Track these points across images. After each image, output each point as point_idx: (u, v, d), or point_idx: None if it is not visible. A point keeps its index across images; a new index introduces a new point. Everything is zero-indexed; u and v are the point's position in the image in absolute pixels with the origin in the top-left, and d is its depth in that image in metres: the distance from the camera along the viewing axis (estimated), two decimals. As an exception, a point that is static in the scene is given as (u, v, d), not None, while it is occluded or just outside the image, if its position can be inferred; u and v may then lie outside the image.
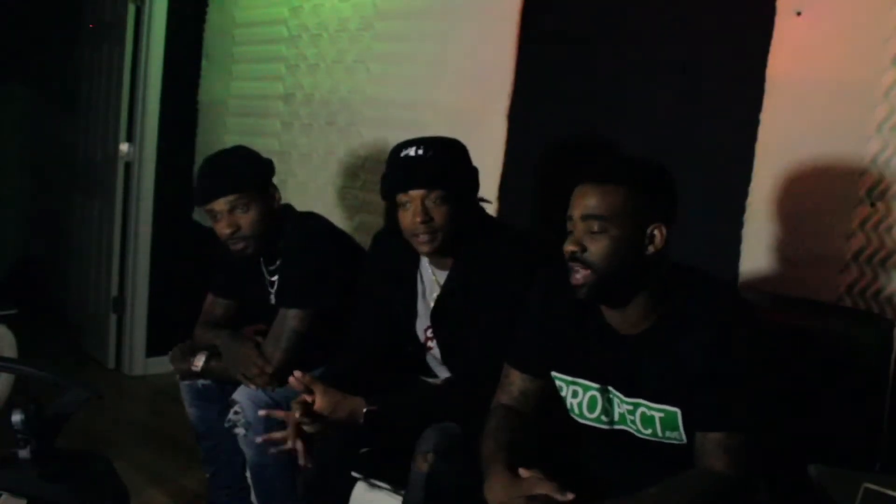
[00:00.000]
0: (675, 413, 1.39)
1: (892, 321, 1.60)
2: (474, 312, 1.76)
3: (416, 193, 1.70)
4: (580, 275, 1.36)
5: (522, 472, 1.35)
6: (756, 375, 1.35)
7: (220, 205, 2.00)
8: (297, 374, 1.67)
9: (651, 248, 1.36)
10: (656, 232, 1.36)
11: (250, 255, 2.09)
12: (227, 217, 2.00)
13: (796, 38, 1.81)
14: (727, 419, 1.33)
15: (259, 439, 1.73)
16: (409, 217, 1.71)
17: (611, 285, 1.36)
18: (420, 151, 1.71)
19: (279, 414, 1.69)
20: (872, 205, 1.70)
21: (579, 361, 1.49)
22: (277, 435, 1.65)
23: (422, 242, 1.72)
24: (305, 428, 1.63)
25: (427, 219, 1.69)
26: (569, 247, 1.36)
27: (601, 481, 1.52)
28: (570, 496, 1.28)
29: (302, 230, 2.11)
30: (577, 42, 2.24)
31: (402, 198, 1.72)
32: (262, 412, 1.75)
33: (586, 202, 1.35)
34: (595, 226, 1.34)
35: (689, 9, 2.02)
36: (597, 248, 1.34)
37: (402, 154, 1.73)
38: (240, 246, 2.04)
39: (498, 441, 1.44)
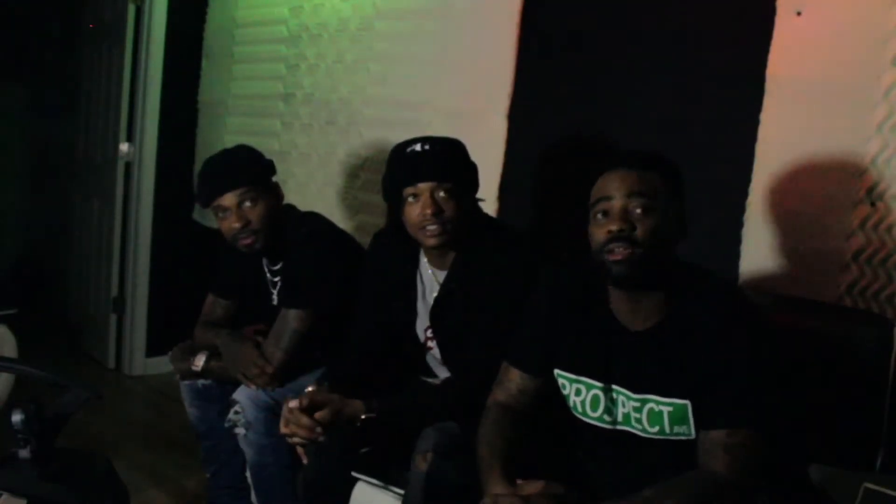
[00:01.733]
0: (685, 406, 1.38)
1: (892, 321, 1.60)
2: (474, 312, 1.76)
3: (424, 186, 1.70)
4: (623, 252, 1.34)
5: (519, 482, 1.35)
6: (760, 374, 1.34)
7: (229, 199, 2.00)
8: (294, 404, 1.65)
9: (682, 233, 1.40)
10: (685, 221, 1.41)
11: (258, 251, 2.09)
12: (236, 212, 2.00)
13: (796, 38, 1.81)
14: (729, 416, 1.32)
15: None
16: (417, 210, 1.71)
17: (652, 264, 1.36)
18: (426, 147, 1.73)
19: (286, 431, 1.68)
20: (872, 205, 1.70)
21: (583, 360, 1.49)
22: (286, 430, 1.66)
23: (430, 235, 1.72)
24: (297, 440, 1.64)
25: (438, 210, 1.70)
26: (613, 226, 1.34)
27: (599, 481, 1.52)
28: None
29: (303, 230, 2.11)
30: (577, 42, 2.25)
31: (409, 191, 1.72)
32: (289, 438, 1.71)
33: (628, 182, 1.36)
34: (640, 205, 1.35)
35: (690, 8, 2.02)
36: (645, 226, 1.34)
37: (408, 150, 1.74)
38: (249, 241, 2.03)
39: (493, 448, 1.44)
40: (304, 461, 1.69)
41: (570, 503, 1.32)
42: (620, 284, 1.41)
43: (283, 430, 1.66)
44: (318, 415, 1.63)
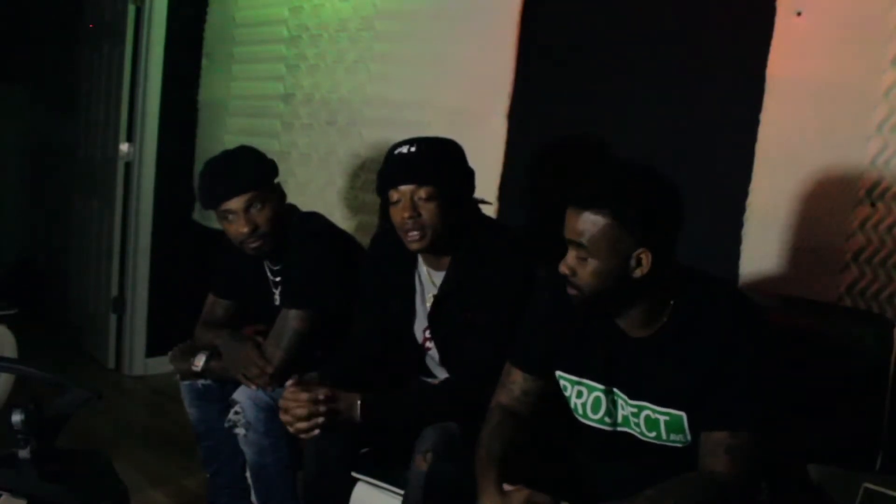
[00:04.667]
0: (681, 417, 1.38)
1: (892, 321, 1.60)
2: (471, 313, 1.76)
3: (405, 189, 1.71)
4: (572, 290, 1.39)
5: (507, 486, 1.35)
6: (762, 376, 1.34)
7: (237, 203, 1.98)
8: (291, 382, 1.67)
9: (638, 273, 1.34)
10: (642, 257, 1.33)
11: (265, 254, 2.09)
12: (243, 216, 1.99)
13: (796, 38, 1.81)
14: (731, 418, 1.32)
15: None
16: (398, 213, 1.72)
17: (600, 303, 1.39)
18: (413, 149, 1.73)
19: (286, 418, 1.69)
20: (872, 205, 1.70)
21: (585, 362, 1.49)
22: (286, 417, 1.67)
23: (411, 240, 1.73)
24: (299, 425, 1.64)
25: (415, 214, 1.71)
26: (561, 268, 1.38)
27: (601, 482, 1.52)
28: None
29: (304, 230, 2.11)
30: (577, 42, 2.25)
31: (393, 194, 1.73)
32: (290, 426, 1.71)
33: (571, 226, 1.36)
34: (580, 252, 1.35)
35: (690, 9, 2.02)
36: (583, 274, 1.36)
37: (396, 152, 1.75)
38: (257, 244, 2.03)
39: (491, 453, 1.44)
40: (316, 432, 1.68)
41: None
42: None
43: (283, 417, 1.66)
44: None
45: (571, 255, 1.37)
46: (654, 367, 1.40)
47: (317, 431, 1.66)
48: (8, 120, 4.32)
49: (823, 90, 1.78)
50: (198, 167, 2.63)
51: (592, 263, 1.34)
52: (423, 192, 1.70)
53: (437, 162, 1.74)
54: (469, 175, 1.81)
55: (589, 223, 1.32)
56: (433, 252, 1.80)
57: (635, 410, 1.43)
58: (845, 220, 1.74)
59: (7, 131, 4.33)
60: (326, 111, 2.96)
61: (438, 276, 1.84)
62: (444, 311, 1.83)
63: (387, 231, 1.94)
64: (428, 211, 1.71)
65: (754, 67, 1.86)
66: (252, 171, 2.04)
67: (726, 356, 1.33)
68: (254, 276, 2.20)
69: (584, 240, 1.33)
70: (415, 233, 1.72)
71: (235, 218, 2.00)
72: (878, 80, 1.69)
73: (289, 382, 1.67)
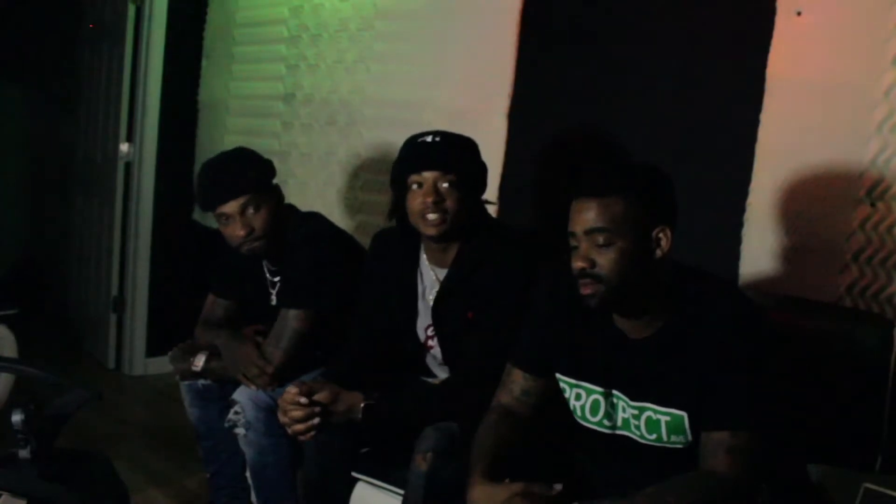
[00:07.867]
0: (682, 417, 1.38)
1: (892, 321, 1.60)
2: (473, 311, 1.77)
3: (429, 175, 1.72)
4: (591, 288, 1.36)
5: (505, 483, 1.35)
6: (763, 376, 1.34)
7: (232, 207, 1.99)
8: (293, 389, 1.68)
9: (658, 252, 1.36)
10: (661, 235, 1.35)
11: (262, 255, 2.10)
12: (239, 219, 2.00)
13: (796, 38, 1.81)
14: (732, 418, 1.32)
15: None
16: (419, 198, 1.73)
17: (623, 295, 1.37)
18: (437, 139, 1.76)
19: (284, 420, 1.70)
20: (872, 205, 1.70)
21: (584, 364, 1.49)
22: (284, 419, 1.68)
23: (430, 224, 1.73)
24: (297, 427, 1.65)
25: (439, 199, 1.72)
26: (577, 263, 1.36)
27: (600, 484, 1.52)
28: (557, 486, 1.30)
29: (304, 230, 2.11)
30: (578, 42, 2.25)
31: (413, 179, 1.74)
32: (289, 427, 1.72)
33: (587, 216, 1.35)
34: (601, 239, 1.34)
35: (690, 8, 2.02)
36: (606, 261, 1.34)
37: (419, 140, 1.77)
38: (254, 246, 2.04)
39: (482, 447, 1.44)
40: (312, 434, 1.69)
41: (551, 502, 1.31)
42: (597, 313, 1.42)
43: (282, 418, 1.67)
44: (317, 396, 1.65)
45: (587, 247, 1.35)
46: (655, 367, 1.40)
47: (312, 433, 1.67)
48: (8, 120, 4.32)
49: (823, 90, 1.78)
50: (198, 167, 2.63)
51: (616, 248, 1.33)
52: (447, 179, 1.72)
53: (461, 154, 1.78)
54: (484, 172, 1.84)
55: (608, 206, 1.34)
56: (445, 240, 1.80)
57: (636, 412, 1.43)
58: (845, 220, 1.74)
59: (7, 131, 4.33)
60: (326, 111, 2.96)
61: (441, 273, 1.84)
62: (446, 308, 1.83)
63: (389, 229, 1.95)
64: (451, 198, 1.73)
65: (754, 67, 1.86)
66: (247, 174, 2.04)
67: (726, 356, 1.33)
68: (253, 276, 2.21)
69: (606, 223, 1.33)
70: (436, 216, 1.72)
71: (231, 221, 2.01)
72: (878, 80, 1.69)
73: (292, 389, 1.67)
